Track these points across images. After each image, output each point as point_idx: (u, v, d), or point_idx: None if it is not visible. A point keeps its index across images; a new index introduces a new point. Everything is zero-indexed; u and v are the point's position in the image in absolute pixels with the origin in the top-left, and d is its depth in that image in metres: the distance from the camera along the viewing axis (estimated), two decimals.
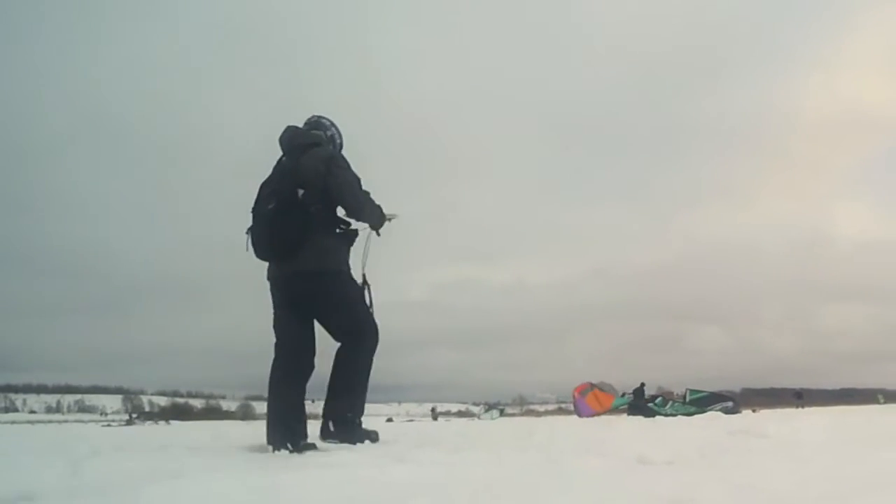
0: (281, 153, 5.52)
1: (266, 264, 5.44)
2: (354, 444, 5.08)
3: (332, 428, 5.26)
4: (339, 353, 5.44)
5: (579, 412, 24.97)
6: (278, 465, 4.09)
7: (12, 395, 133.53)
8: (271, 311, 5.43)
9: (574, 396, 25.91)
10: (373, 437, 5.40)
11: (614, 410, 24.53)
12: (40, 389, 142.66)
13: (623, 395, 25.49)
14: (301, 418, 5.16)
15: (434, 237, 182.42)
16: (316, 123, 5.74)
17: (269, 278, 5.43)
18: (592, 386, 25.90)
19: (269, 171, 5.46)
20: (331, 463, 4.06)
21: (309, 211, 5.13)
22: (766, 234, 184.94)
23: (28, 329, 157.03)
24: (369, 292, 5.58)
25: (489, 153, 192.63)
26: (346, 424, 5.26)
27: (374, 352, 5.48)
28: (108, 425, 25.82)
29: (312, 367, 5.40)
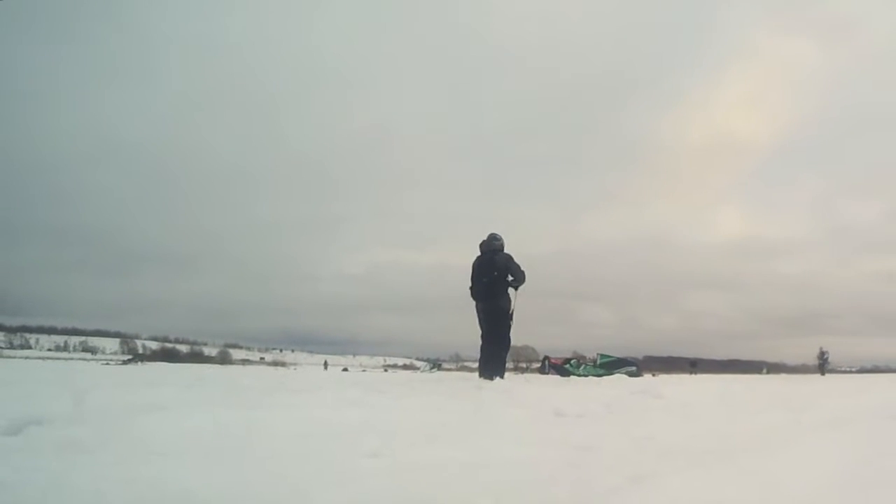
0: (480, 251, 9.77)
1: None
2: None
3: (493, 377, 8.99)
4: (492, 348, 9.59)
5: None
6: (249, 403, 4.05)
7: (27, 335, 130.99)
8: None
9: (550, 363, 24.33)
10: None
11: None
12: (51, 331, 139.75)
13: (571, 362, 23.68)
14: (488, 367, 9.41)
15: (373, 228, 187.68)
16: (494, 236, 9.85)
17: (477, 310, 9.65)
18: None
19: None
20: (295, 405, 4.04)
21: (500, 281, 9.48)
22: (655, 233, 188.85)
23: (47, 283, 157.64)
24: (513, 319, 9.76)
25: (421, 162, 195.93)
26: (499, 377, 9.05)
27: (508, 350, 9.92)
28: (108, 364, 25.36)
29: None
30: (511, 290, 9.57)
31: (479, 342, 9.74)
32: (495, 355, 9.41)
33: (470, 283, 9.52)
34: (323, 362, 52.09)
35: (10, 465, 2.11)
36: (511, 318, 9.59)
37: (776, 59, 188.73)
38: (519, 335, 10.97)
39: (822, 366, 36.82)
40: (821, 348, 37.78)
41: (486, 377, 8.94)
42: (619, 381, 10.26)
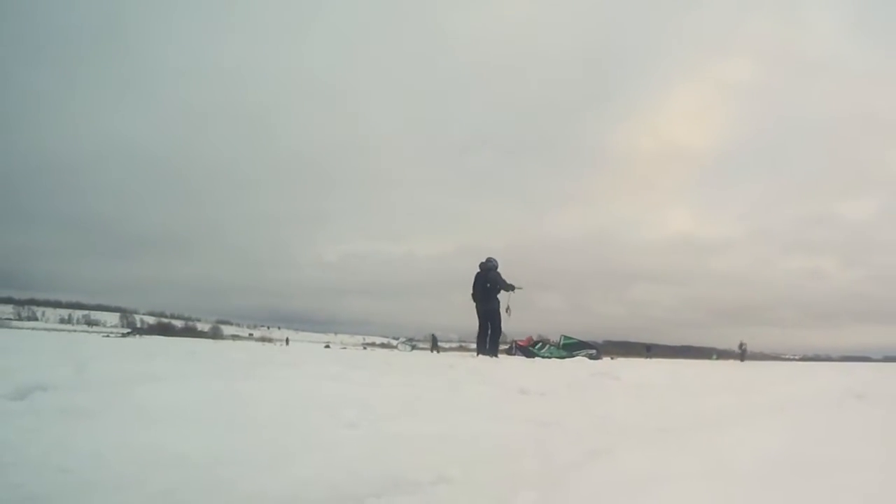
0: (479, 269, 12.70)
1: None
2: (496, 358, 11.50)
3: (489, 355, 11.65)
4: (490, 334, 12.45)
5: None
6: (237, 376, 4.02)
7: (34, 308, 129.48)
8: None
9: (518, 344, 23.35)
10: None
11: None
12: (56, 304, 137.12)
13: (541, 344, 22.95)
14: (485, 348, 12.35)
15: (352, 221, 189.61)
16: (490, 259, 12.75)
17: (477, 309, 12.52)
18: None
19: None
20: (281, 377, 4.01)
21: (492, 291, 12.44)
22: (607, 230, 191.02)
23: (55, 263, 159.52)
24: (509, 314, 12.81)
25: (396, 163, 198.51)
26: (494, 356, 11.53)
27: (500, 336, 12.95)
28: (108, 336, 25.03)
29: (488, 333, 12.47)
30: (503, 294, 12.69)
31: (468, 329, 13.66)
32: (492, 340, 12.58)
33: (472, 291, 12.61)
34: (285, 339, 50.80)
35: (15, 428, 2.14)
36: (508, 311, 12.78)
37: (716, 76, 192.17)
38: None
39: (742, 354, 41.01)
40: (741, 341, 42.51)
41: (482, 354, 11.99)
42: (579, 362, 10.23)
